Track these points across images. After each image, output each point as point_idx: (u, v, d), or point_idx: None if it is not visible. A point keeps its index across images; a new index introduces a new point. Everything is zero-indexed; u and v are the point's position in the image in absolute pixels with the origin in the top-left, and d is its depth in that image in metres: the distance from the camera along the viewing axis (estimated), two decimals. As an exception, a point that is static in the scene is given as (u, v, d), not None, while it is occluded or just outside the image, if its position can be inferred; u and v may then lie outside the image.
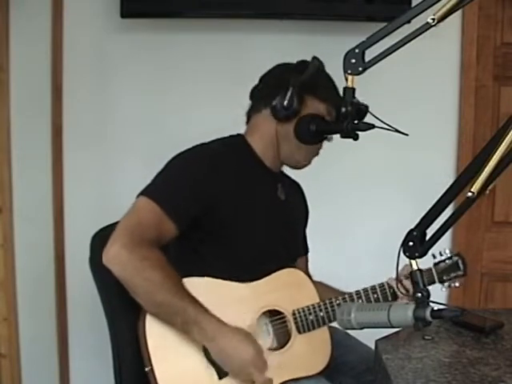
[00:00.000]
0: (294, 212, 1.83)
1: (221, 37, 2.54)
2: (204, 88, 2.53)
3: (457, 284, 1.73)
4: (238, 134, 1.77)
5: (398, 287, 1.64)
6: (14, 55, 2.46)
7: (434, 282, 1.69)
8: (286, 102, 1.64)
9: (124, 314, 1.59)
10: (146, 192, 1.58)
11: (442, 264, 1.70)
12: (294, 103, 1.64)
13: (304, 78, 1.63)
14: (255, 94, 1.78)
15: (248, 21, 2.50)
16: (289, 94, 1.63)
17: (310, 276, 1.89)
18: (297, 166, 1.79)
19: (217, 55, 2.54)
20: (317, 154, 1.77)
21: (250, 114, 1.78)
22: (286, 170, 1.84)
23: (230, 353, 1.52)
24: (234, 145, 1.73)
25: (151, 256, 1.51)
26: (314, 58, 1.65)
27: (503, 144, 1.20)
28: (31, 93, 2.53)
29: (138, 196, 1.58)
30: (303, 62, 1.69)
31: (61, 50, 2.51)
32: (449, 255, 1.71)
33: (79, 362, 2.65)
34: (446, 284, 1.72)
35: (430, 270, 1.68)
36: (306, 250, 1.94)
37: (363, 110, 1.47)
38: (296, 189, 1.91)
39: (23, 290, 2.53)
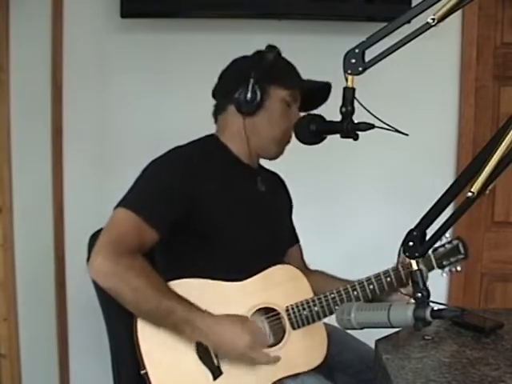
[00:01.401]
0: (276, 203, 1.83)
1: (221, 37, 2.54)
2: (204, 88, 2.52)
3: (458, 268, 1.70)
4: (212, 134, 1.77)
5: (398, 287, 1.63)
6: (13, 55, 2.46)
7: (432, 269, 1.68)
8: (248, 96, 1.64)
9: (122, 317, 1.59)
10: (123, 203, 1.58)
11: (441, 249, 1.69)
12: (257, 95, 1.65)
13: (262, 68, 1.64)
14: (217, 92, 1.78)
15: (248, 21, 2.50)
16: (250, 86, 1.64)
17: (305, 265, 1.90)
18: (270, 157, 1.77)
19: (217, 55, 2.53)
20: (288, 142, 1.75)
21: (216, 115, 1.78)
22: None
23: (227, 345, 1.52)
24: (209, 145, 1.73)
25: (135, 264, 1.51)
26: (269, 45, 1.67)
27: (503, 144, 1.20)
28: (31, 93, 2.53)
29: (116, 208, 1.57)
30: (259, 53, 1.70)
31: (61, 50, 2.51)
32: (448, 239, 1.69)
33: (79, 362, 2.65)
34: (447, 269, 1.69)
35: (428, 256, 1.66)
36: (296, 240, 1.92)
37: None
38: (276, 180, 1.91)
39: (23, 290, 2.53)
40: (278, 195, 1.86)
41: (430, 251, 1.65)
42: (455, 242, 1.70)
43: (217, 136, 1.76)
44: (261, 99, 1.66)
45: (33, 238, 2.56)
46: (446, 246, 1.69)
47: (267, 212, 1.75)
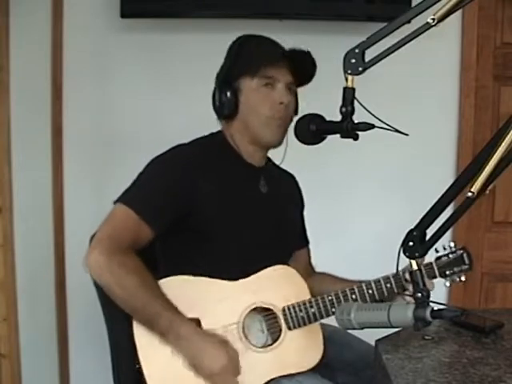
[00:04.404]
0: (281, 204, 1.79)
1: (221, 37, 2.52)
2: (204, 88, 2.52)
3: (462, 278, 1.66)
4: (220, 131, 1.76)
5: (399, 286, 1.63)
6: (14, 55, 2.46)
7: (434, 277, 1.65)
8: (217, 103, 1.69)
9: (122, 316, 1.58)
10: (122, 199, 1.58)
11: (445, 258, 1.65)
12: (227, 97, 1.66)
13: (225, 68, 1.68)
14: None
15: (248, 21, 2.50)
16: (217, 93, 1.68)
17: (312, 268, 1.89)
18: (270, 142, 1.71)
19: (217, 55, 2.53)
20: (283, 123, 1.70)
21: None
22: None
23: (204, 362, 1.50)
24: (213, 144, 1.72)
25: (128, 262, 1.51)
26: (238, 37, 1.71)
27: (503, 144, 1.20)
28: (31, 93, 2.53)
29: (115, 202, 1.58)
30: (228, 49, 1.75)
31: (61, 50, 2.51)
32: (453, 249, 1.67)
33: (79, 362, 2.65)
34: (450, 278, 1.66)
35: (430, 264, 1.64)
36: (306, 242, 1.91)
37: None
38: (289, 180, 1.89)
39: (23, 289, 2.53)
40: (285, 196, 1.83)
41: (432, 260, 1.65)
42: (460, 252, 1.66)
43: (223, 133, 1.75)
44: (234, 98, 1.66)
45: (33, 238, 2.56)
46: (450, 255, 1.66)
47: (268, 213, 1.73)
